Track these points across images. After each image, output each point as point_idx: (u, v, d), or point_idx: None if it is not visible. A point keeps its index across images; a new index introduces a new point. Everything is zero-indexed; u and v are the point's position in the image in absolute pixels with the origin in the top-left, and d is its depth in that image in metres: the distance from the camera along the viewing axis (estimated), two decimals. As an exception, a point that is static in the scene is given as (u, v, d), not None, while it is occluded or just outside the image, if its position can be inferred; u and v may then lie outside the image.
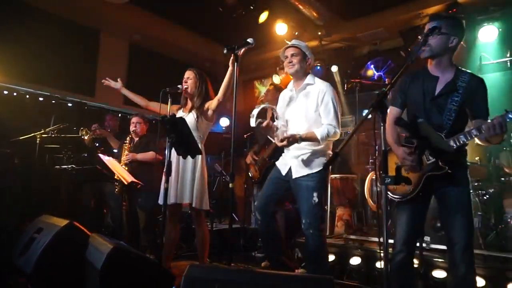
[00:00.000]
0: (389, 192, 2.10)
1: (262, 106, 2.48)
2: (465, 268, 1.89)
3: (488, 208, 3.40)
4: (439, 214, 2.09)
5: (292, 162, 2.57)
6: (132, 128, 3.98)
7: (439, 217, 2.13)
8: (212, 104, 2.93)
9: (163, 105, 2.83)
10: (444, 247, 2.98)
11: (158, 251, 2.65)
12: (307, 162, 2.52)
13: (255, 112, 2.41)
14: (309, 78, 2.62)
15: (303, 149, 2.53)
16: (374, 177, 4.02)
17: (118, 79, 3.19)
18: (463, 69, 2.04)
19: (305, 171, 2.51)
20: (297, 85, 2.66)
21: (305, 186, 2.48)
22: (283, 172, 2.61)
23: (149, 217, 3.93)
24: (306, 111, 2.57)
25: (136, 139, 4.00)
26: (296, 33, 5.35)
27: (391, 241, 2.09)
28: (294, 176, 2.54)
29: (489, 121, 1.79)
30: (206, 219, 3.29)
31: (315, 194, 2.44)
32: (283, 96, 2.80)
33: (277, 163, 2.74)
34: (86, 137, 4.28)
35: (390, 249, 2.08)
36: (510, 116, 1.72)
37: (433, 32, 1.92)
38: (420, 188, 1.99)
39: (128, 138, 3.96)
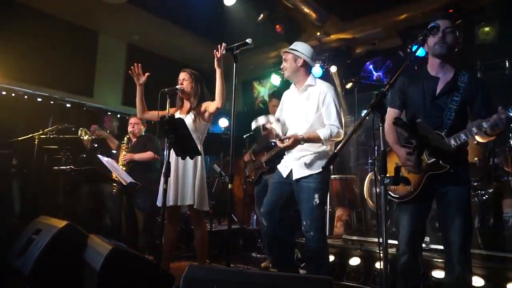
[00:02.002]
0: (390, 193, 2.09)
1: (266, 119, 2.49)
2: (461, 269, 1.89)
3: (487, 208, 3.40)
4: (438, 214, 2.08)
5: (293, 164, 2.54)
6: (130, 128, 3.98)
7: (437, 217, 2.12)
8: (210, 107, 2.92)
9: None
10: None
11: (157, 252, 2.65)
12: (308, 164, 2.49)
13: (260, 121, 2.46)
14: (310, 79, 2.61)
15: (305, 151, 2.51)
16: (373, 178, 4.01)
17: (146, 74, 2.94)
18: (462, 71, 2.03)
19: (306, 172, 2.48)
20: (298, 86, 2.67)
21: (306, 187, 2.46)
22: (284, 174, 2.58)
23: (148, 218, 3.92)
24: (306, 112, 2.56)
25: (134, 139, 4.00)
26: (295, 34, 5.34)
27: (390, 241, 2.08)
28: (294, 177, 2.51)
29: (491, 118, 1.76)
30: (205, 219, 3.28)
31: (316, 196, 2.42)
32: (285, 97, 2.80)
33: (278, 166, 2.70)
34: (85, 138, 4.27)
35: (390, 250, 2.07)
36: (510, 111, 1.74)
37: (431, 31, 1.91)
38: (421, 188, 1.98)
39: (125, 139, 3.96)
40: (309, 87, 2.60)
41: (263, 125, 2.47)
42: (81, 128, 4.28)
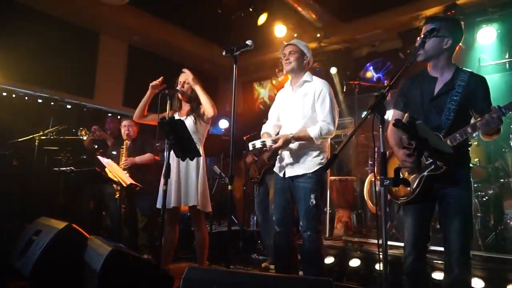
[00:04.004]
0: (393, 195, 2.12)
1: (261, 142, 2.47)
2: (459, 271, 1.88)
3: (488, 209, 3.40)
4: (439, 215, 2.07)
5: (287, 162, 2.55)
6: (125, 131, 3.95)
7: (438, 218, 2.11)
8: (207, 112, 2.90)
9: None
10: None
11: (157, 253, 2.65)
12: (302, 161, 2.50)
13: (257, 144, 2.46)
14: (307, 75, 2.61)
15: (299, 149, 2.52)
16: (373, 179, 4.02)
17: (163, 85, 2.94)
18: (463, 68, 2.01)
19: (301, 171, 2.48)
20: (294, 82, 2.65)
21: (302, 187, 2.46)
22: (281, 174, 2.59)
23: (148, 219, 3.92)
24: (302, 108, 2.55)
25: (129, 142, 3.99)
26: (295, 35, 5.36)
27: (390, 243, 2.08)
28: (288, 175, 2.52)
29: (483, 117, 1.76)
30: (205, 221, 3.28)
31: (312, 196, 2.42)
32: (281, 95, 2.80)
33: (274, 169, 2.71)
34: (85, 138, 4.27)
35: (390, 251, 2.06)
36: (503, 111, 1.71)
37: (431, 34, 1.91)
38: (420, 189, 1.97)
39: (125, 143, 3.95)
40: (305, 83, 2.60)
41: (262, 147, 2.46)
42: (81, 128, 4.29)
